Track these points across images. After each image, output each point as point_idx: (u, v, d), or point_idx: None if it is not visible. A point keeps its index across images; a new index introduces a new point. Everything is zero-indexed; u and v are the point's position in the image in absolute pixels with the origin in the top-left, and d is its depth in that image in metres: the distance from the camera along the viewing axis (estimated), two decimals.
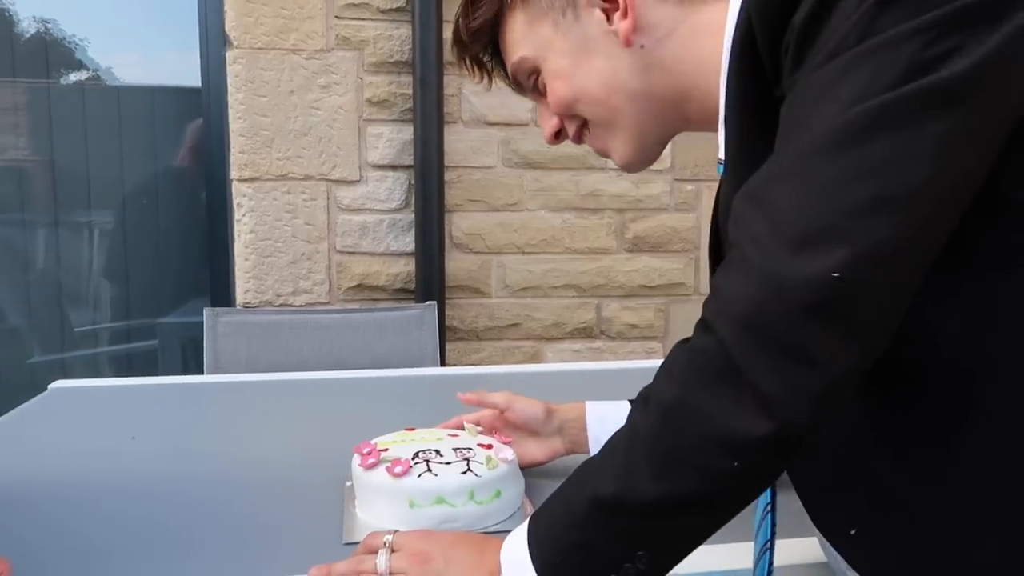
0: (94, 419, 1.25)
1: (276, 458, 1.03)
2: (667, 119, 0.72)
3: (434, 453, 0.83)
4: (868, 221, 0.45)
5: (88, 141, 2.27)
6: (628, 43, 0.68)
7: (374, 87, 2.13)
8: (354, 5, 2.10)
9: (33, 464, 1.01)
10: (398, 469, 0.79)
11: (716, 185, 0.66)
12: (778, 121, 0.53)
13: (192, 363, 2.36)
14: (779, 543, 0.67)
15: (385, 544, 0.65)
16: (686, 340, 0.54)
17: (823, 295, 0.45)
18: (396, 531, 0.67)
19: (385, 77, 2.13)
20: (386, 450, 0.84)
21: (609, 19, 0.69)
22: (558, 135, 0.79)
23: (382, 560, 0.63)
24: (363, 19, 2.11)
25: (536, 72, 0.75)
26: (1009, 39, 0.44)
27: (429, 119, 2.09)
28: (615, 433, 0.57)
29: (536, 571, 0.56)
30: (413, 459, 0.81)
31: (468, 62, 0.80)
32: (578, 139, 0.78)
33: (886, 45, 0.45)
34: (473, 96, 2.19)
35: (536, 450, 0.93)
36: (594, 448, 0.92)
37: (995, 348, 0.51)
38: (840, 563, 0.62)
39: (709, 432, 0.49)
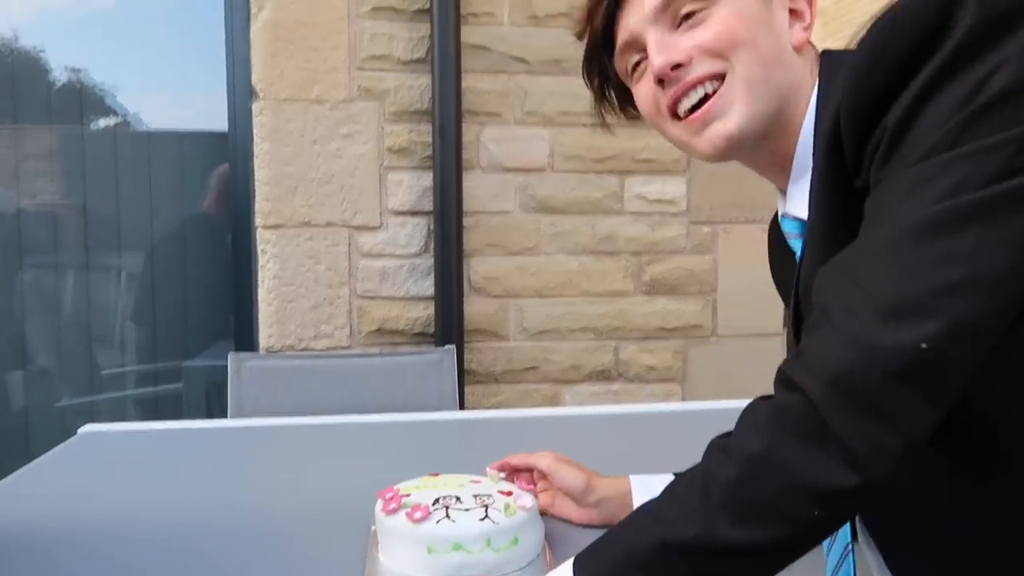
0: (123, 463, 1.28)
1: (302, 502, 1.05)
2: (774, 131, 0.73)
3: (454, 499, 0.85)
4: (957, 299, 0.50)
5: (119, 185, 2.34)
6: (798, 49, 0.74)
7: (395, 135, 2.19)
8: (376, 57, 2.17)
9: (66, 507, 1.04)
10: (417, 515, 0.81)
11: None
12: (858, 208, 0.58)
13: (216, 406, 2.39)
14: None
15: None
16: (764, 397, 0.59)
17: (911, 363, 0.50)
18: None
19: (405, 126, 2.19)
20: (408, 495, 0.86)
21: (794, 19, 0.74)
22: (676, 68, 0.73)
23: None
24: (384, 70, 2.18)
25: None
26: None
27: (448, 166, 2.14)
28: (676, 481, 0.60)
29: None
30: (433, 505, 0.84)
31: None
32: (691, 85, 0.73)
33: (979, 151, 0.51)
34: (491, 143, 2.24)
35: (573, 512, 0.96)
36: None
37: None
38: None
39: (796, 482, 0.53)
